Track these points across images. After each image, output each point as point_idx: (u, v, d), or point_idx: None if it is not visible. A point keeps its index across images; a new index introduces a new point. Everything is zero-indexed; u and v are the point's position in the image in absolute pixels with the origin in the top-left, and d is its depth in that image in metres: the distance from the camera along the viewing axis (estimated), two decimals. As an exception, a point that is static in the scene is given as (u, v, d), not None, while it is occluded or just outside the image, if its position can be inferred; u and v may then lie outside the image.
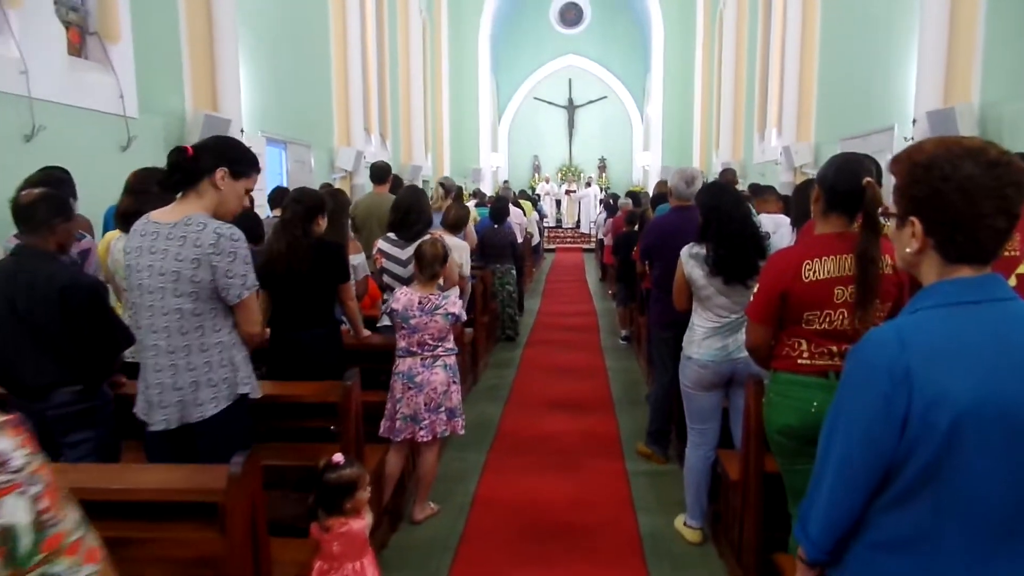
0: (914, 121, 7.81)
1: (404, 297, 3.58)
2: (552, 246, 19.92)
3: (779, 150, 12.58)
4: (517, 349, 7.95)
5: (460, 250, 5.26)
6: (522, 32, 24.44)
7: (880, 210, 1.92)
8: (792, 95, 12.27)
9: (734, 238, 3.28)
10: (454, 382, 3.67)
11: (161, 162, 2.62)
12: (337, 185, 11.43)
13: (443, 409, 3.61)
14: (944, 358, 1.20)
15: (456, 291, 5.17)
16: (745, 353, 3.25)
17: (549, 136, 25.38)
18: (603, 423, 5.40)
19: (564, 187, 24.08)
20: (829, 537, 1.34)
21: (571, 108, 25.24)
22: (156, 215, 2.45)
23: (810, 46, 11.73)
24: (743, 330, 3.32)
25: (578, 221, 22.60)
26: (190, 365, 2.44)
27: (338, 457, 2.39)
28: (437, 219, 5.69)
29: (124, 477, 1.96)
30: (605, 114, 25.05)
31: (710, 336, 3.35)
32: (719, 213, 3.31)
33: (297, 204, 3.49)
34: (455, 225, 5.48)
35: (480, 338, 6.78)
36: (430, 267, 3.60)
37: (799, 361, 2.42)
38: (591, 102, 24.97)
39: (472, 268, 6.68)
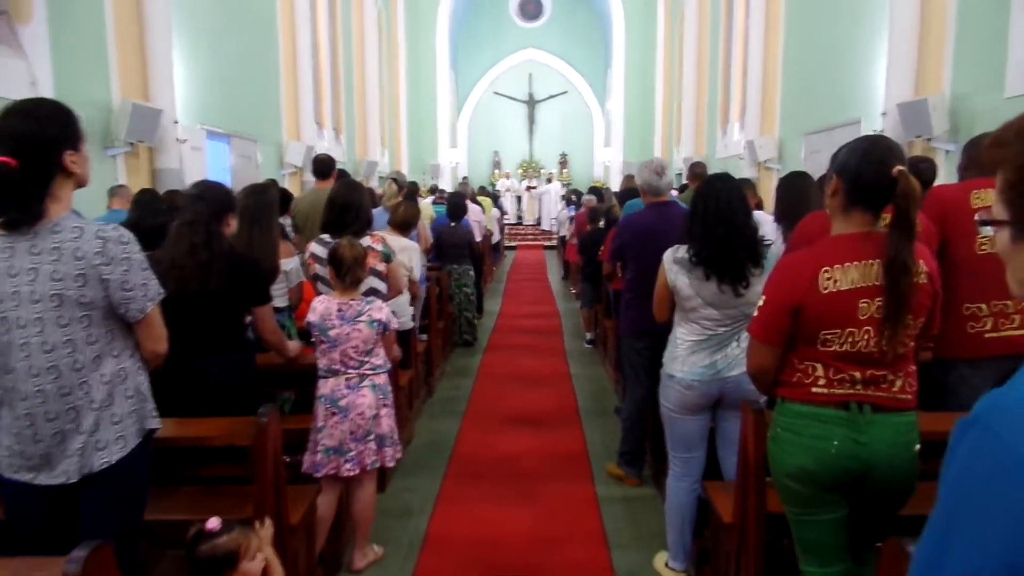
0: (883, 114, 7.57)
1: (321, 306, 3.04)
2: (513, 244, 19.48)
3: (742, 144, 12.31)
4: (476, 355, 7.45)
5: (409, 252, 4.75)
6: (481, 25, 23.90)
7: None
8: (755, 89, 12.03)
9: (718, 228, 2.77)
10: (385, 405, 3.11)
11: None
12: (286, 183, 10.80)
13: (372, 437, 3.04)
14: None
15: (407, 296, 4.68)
16: (736, 371, 2.82)
17: (509, 131, 24.88)
18: (570, 439, 4.94)
19: (525, 183, 23.63)
20: None
21: (531, 103, 24.79)
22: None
23: (774, 38, 11.50)
24: (733, 344, 2.88)
25: (539, 218, 22.17)
26: (92, 404, 1.94)
27: (212, 523, 1.86)
28: (386, 218, 5.18)
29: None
30: (566, 109, 24.66)
31: (695, 351, 2.88)
32: (706, 201, 2.84)
33: (200, 202, 2.86)
34: (403, 225, 4.95)
35: (435, 345, 6.26)
36: (350, 272, 3.03)
37: (813, 390, 1.98)
38: (552, 97, 24.55)
39: (427, 269, 6.18)
